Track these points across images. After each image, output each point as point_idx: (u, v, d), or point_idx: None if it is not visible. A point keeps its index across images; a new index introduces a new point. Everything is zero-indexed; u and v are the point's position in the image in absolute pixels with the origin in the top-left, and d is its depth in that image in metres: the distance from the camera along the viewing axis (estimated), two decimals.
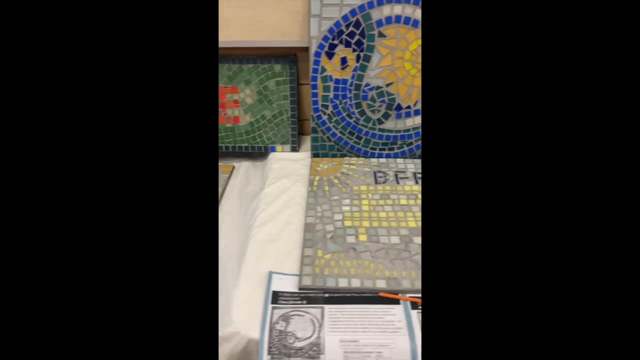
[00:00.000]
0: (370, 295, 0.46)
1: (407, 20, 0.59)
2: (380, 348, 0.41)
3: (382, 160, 0.71)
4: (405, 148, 0.71)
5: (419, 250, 0.52)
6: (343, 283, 0.47)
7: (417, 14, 0.58)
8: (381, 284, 0.47)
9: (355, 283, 0.47)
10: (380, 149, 0.71)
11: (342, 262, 0.50)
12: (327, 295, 0.46)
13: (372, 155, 0.72)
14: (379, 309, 0.44)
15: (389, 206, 0.59)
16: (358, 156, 0.72)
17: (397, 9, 0.58)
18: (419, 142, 0.70)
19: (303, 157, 0.74)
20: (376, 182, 0.65)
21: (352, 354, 0.41)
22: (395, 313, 0.44)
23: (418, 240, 0.53)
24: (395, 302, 0.45)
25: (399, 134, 0.69)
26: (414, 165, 0.69)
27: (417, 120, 0.68)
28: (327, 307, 0.45)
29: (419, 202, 0.60)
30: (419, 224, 0.56)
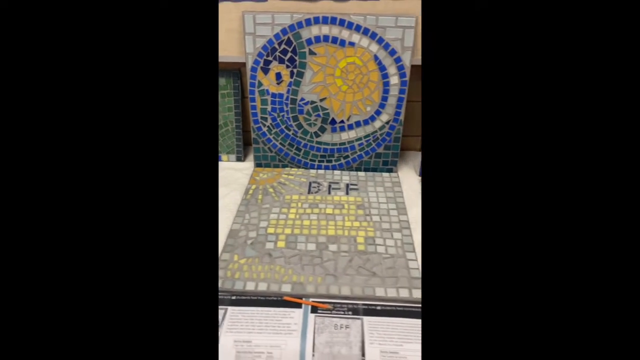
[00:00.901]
0: (275, 298, 0.48)
1: (334, 39, 0.62)
2: (272, 349, 0.43)
3: (321, 171, 0.74)
4: (342, 160, 0.74)
5: (331, 257, 0.54)
6: (250, 286, 0.49)
7: (344, 34, 0.62)
8: (286, 288, 0.49)
9: (262, 287, 0.49)
10: (319, 161, 0.74)
11: (255, 266, 0.52)
12: (234, 297, 0.48)
13: (312, 167, 0.74)
14: (279, 312, 0.46)
15: (315, 215, 0.62)
16: (298, 167, 0.75)
17: (325, 29, 0.62)
18: (355, 155, 0.73)
19: (247, 166, 0.77)
20: (309, 192, 0.67)
21: (244, 353, 0.42)
22: (294, 316, 0.46)
23: (333, 247, 0.55)
24: (298, 306, 0.47)
25: (335, 147, 0.72)
26: (348, 177, 0.72)
27: (352, 134, 0.71)
28: (230, 308, 0.47)
29: (344, 211, 0.63)
30: (338, 232, 0.58)
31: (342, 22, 0.61)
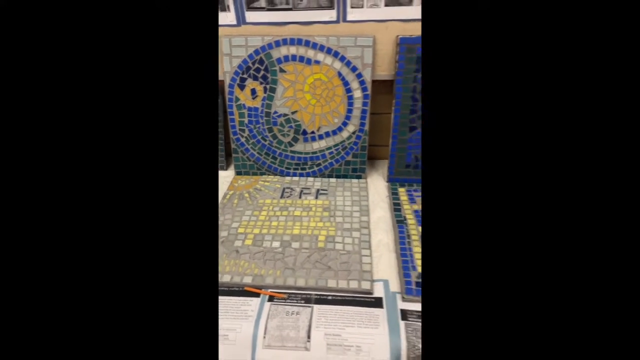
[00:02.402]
0: (237, 289, 0.53)
1: (301, 58, 0.69)
2: (227, 331, 0.47)
3: (295, 178, 0.80)
4: (315, 168, 0.79)
5: (293, 253, 0.59)
6: None
7: (310, 53, 0.68)
8: (248, 280, 0.54)
9: (226, 278, 0.54)
10: (294, 169, 0.80)
11: (222, 261, 0.57)
12: None
13: (287, 174, 0.80)
14: (239, 300, 0.51)
15: (284, 217, 0.67)
16: (275, 174, 0.80)
17: (293, 50, 0.68)
18: (326, 163, 0.78)
19: (228, 174, 0.83)
20: (281, 197, 0.73)
21: None
22: (252, 304, 0.51)
23: (295, 245, 0.60)
24: (257, 295, 0.52)
25: (308, 155, 0.78)
26: (320, 183, 0.77)
27: (322, 143, 0.76)
28: None
29: (311, 213, 0.68)
30: (303, 231, 0.63)
31: (307, 43, 0.68)
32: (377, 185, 0.78)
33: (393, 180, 0.77)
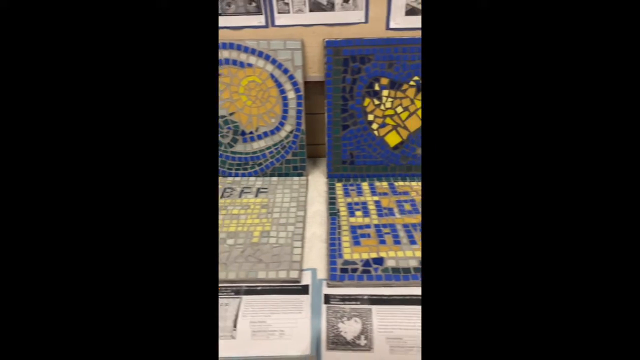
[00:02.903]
0: None
1: (234, 62, 0.71)
2: None
3: (237, 178, 0.82)
4: (257, 168, 0.82)
5: (227, 249, 0.61)
6: None
7: (242, 57, 0.71)
8: None
9: None
10: (236, 169, 0.82)
11: None
12: None
13: (230, 175, 0.82)
14: None
15: (222, 215, 0.69)
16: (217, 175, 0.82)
17: (225, 54, 0.71)
18: (267, 162, 0.81)
19: None
20: (221, 197, 0.75)
21: None
22: None
23: (230, 241, 0.62)
24: None
25: (248, 155, 0.80)
26: (261, 182, 0.80)
27: (262, 143, 0.79)
28: None
29: (249, 211, 0.70)
30: (239, 228, 0.65)
31: (239, 47, 0.70)
32: (317, 181, 0.81)
33: (332, 176, 0.81)
